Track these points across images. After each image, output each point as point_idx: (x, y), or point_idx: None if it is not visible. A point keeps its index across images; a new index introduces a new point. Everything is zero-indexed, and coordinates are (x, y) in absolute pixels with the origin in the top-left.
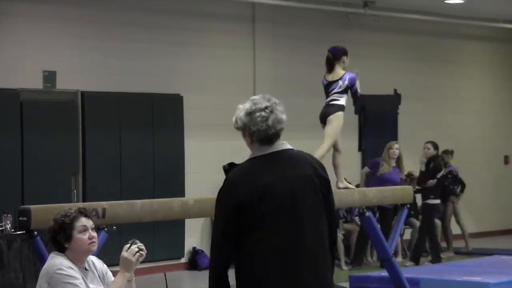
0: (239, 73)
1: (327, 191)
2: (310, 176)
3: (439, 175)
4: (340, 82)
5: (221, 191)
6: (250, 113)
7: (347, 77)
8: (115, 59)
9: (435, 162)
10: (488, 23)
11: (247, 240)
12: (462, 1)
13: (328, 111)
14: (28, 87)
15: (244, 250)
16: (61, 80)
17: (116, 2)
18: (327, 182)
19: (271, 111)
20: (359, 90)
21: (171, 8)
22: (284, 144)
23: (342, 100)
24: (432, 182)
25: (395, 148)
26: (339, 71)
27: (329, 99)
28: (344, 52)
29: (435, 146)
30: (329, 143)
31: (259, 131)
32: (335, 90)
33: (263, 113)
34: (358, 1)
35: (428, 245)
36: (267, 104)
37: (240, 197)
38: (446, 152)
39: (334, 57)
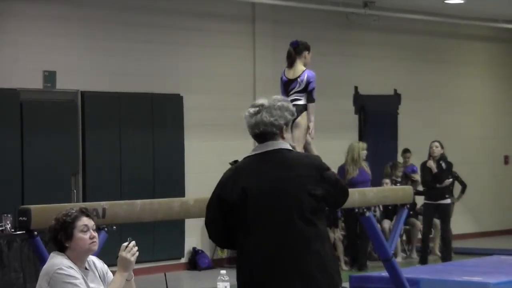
0: (239, 73)
1: (326, 190)
2: (299, 177)
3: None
4: (299, 81)
5: (215, 188)
6: (248, 108)
7: (306, 75)
8: (115, 59)
9: (447, 161)
10: (488, 23)
11: (236, 240)
12: (462, 1)
13: None
14: (28, 87)
15: (237, 249)
16: (61, 80)
17: (116, 2)
18: (323, 181)
19: (259, 111)
20: (315, 91)
21: (171, 8)
22: (280, 143)
23: (304, 99)
24: (449, 181)
25: (366, 149)
26: (299, 67)
27: (290, 99)
28: (306, 47)
29: (442, 145)
30: (301, 146)
31: (247, 127)
32: (295, 90)
33: (251, 110)
34: (358, 1)
35: (442, 244)
36: (262, 102)
37: (226, 197)
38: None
39: (295, 52)
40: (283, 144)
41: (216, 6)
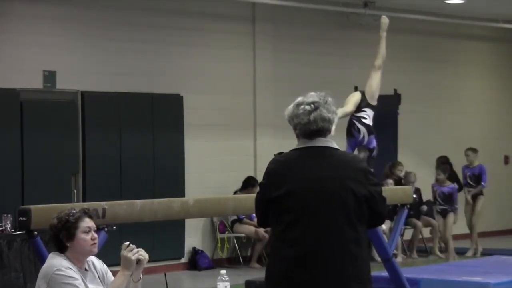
0: (239, 73)
1: (368, 195)
2: (342, 179)
3: None
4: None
5: (262, 178)
6: (297, 105)
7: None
8: (115, 59)
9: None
10: (488, 23)
11: (274, 229)
12: (462, 1)
13: None
14: (28, 87)
15: (275, 239)
16: (61, 80)
17: (116, 2)
18: (368, 184)
19: (316, 107)
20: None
21: (171, 8)
22: (327, 142)
23: (369, 119)
24: None
25: None
26: None
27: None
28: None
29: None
30: None
31: (300, 124)
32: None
33: (307, 107)
34: (358, 1)
35: None
36: (315, 99)
37: (270, 187)
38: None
39: None
40: (330, 143)
41: (216, 6)
